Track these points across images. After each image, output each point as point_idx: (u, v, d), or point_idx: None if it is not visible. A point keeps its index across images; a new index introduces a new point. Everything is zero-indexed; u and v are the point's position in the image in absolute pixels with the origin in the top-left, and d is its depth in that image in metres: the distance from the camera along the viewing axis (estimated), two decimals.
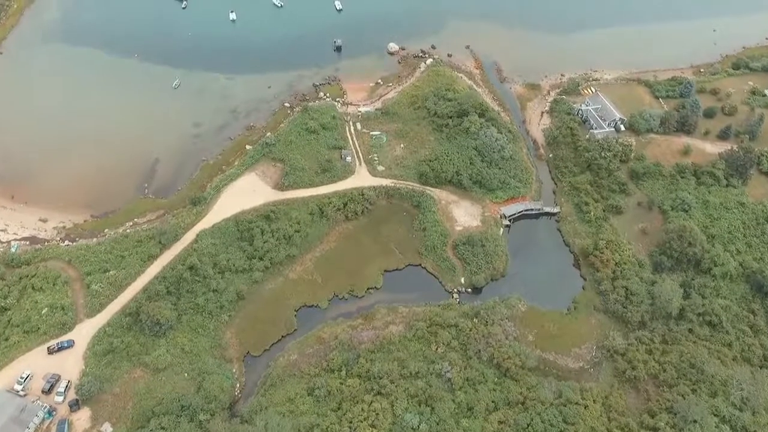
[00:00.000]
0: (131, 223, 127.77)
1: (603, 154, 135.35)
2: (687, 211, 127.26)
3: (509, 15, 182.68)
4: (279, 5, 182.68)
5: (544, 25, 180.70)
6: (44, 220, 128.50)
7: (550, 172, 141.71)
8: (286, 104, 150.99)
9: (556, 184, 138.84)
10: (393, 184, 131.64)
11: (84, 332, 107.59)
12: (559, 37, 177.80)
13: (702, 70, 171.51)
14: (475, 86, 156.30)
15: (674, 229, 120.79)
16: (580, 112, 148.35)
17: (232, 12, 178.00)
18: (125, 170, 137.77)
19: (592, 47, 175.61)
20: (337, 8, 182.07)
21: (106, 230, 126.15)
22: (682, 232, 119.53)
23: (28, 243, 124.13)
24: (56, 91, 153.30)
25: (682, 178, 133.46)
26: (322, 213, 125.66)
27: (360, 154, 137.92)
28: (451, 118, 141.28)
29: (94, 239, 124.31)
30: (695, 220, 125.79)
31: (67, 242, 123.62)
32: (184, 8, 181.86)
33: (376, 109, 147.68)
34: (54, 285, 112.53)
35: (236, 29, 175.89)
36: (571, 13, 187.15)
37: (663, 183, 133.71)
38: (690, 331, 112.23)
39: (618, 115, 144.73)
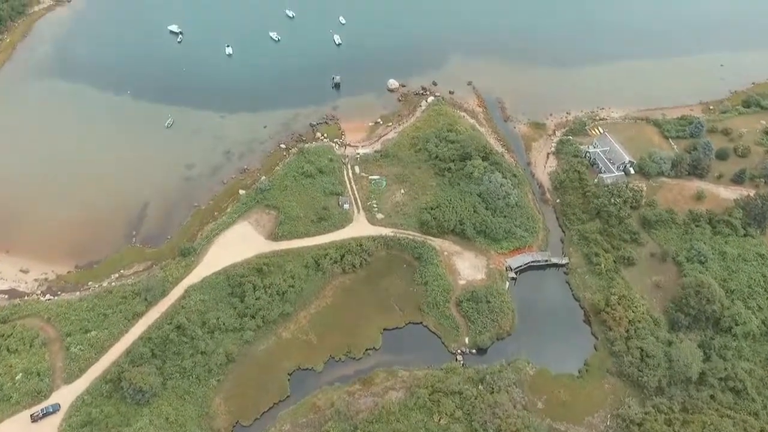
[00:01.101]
0: (117, 275, 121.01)
1: (613, 201, 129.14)
2: (703, 263, 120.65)
3: (512, 49, 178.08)
4: (276, 39, 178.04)
5: (547, 59, 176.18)
6: (25, 271, 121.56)
7: (557, 218, 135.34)
8: (282, 145, 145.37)
9: (563, 232, 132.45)
10: (393, 234, 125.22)
11: (63, 399, 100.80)
12: (563, 72, 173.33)
13: (711, 107, 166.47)
14: (477, 126, 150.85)
15: (691, 284, 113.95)
16: (587, 154, 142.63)
17: (228, 46, 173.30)
18: (113, 216, 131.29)
19: (597, 83, 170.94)
20: (336, 42, 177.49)
21: (90, 283, 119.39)
22: (699, 288, 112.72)
23: (6, 297, 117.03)
24: (44, 131, 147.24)
25: (696, 226, 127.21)
26: (318, 266, 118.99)
27: (358, 201, 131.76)
28: (453, 161, 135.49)
29: (77, 293, 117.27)
30: (712, 273, 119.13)
31: (48, 296, 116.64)
32: (179, 42, 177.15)
33: (375, 151, 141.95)
34: (31, 347, 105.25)
35: (232, 64, 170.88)
36: (574, 48, 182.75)
37: (676, 232, 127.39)
38: (712, 397, 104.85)
39: (627, 158, 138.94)
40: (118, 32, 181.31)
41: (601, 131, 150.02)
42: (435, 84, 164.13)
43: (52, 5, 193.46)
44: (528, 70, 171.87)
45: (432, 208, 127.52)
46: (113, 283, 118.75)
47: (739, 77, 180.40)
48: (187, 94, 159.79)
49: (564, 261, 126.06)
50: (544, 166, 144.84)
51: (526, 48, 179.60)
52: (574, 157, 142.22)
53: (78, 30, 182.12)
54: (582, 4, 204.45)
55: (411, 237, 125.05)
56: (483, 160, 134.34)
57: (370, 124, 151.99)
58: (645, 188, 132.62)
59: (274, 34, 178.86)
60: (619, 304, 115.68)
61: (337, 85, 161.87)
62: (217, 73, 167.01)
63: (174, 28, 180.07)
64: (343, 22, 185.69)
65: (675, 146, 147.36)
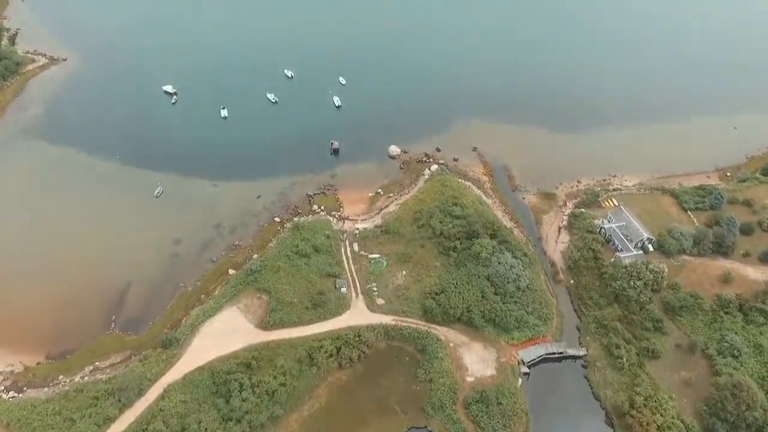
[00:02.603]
0: (91, 368, 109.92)
1: (632, 284, 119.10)
2: (737, 358, 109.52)
3: (518, 113, 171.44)
4: (274, 101, 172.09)
5: (555, 123, 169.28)
6: None
7: (572, 302, 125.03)
8: (276, 218, 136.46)
9: (579, 318, 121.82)
10: (394, 323, 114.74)
11: None
12: (571, 136, 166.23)
13: (729, 174, 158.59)
14: (484, 197, 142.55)
15: (726, 384, 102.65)
16: (602, 230, 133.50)
17: (223, 108, 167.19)
18: (92, 297, 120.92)
19: (607, 148, 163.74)
20: (336, 104, 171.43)
21: (61, 377, 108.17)
22: (736, 390, 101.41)
23: None
24: (23, 198, 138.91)
25: (725, 313, 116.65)
26: (312, 360, 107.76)
27: (357, 283, 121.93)
28: (459, 239, 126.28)
29: (45, 389, 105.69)
30: (748, 370, 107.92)
31: (12, 393, 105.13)
32: (173, 103, 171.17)
33: (375, 226, 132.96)
34: None
35: (227, 127, 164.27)
36: (582, 111, 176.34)
37: (704, 319, 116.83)
38: None
39: (645, 235, 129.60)
40: (111, 91, 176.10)
41: (616, 203, 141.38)
42: (438, 150, 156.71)
43: (46, 63, 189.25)
44: (535, 135, 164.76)
45: (436, 293, 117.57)
46: (86, 378, 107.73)
47: (755, 140, 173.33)
48: (179, 160, 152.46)
49: (581, 353, 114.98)
50: (555, 242, 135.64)
51: (533, 111, 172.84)
52: (588, 233, 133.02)
53: (71, 89, 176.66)
54: (589, 66, 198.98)
55: (414, 326, 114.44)
56: (491, 238, 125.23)
57: (370, 194, 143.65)
58: (666, 268, 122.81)
59: (271, 96, 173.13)
60: (645, 405, 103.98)
61: (335, 151, 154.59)
62: (211, 137, 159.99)
63: (169, 88, 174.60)
64: (344, 82, 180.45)
65: (695, 219, 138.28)
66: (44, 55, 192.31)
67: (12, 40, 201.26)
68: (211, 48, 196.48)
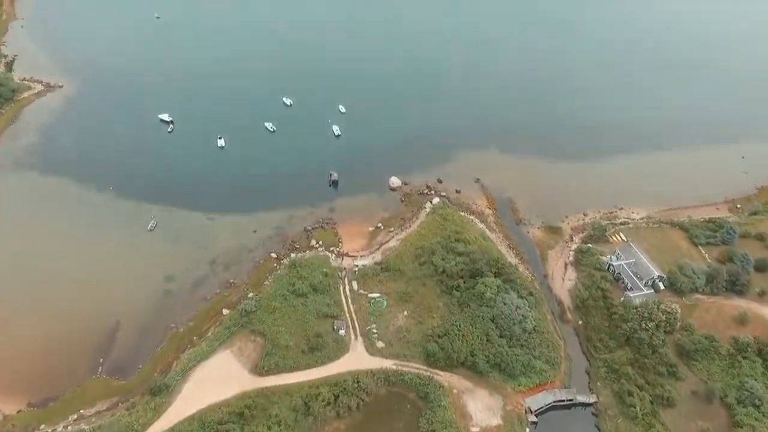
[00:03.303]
0: (75, 416, 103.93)
1: (643, 325, 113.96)
2: (758, 407, 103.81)
3: (521, 143, 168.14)
4: (272, 130, 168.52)
5: (559, 153, 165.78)
6: None
7: (580, 344, 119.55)
8: (273, 254, 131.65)
9: (589, 361, 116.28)
10: (395, 367, 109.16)
11: None
12: (576, 167, 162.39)
13: (739, 206, 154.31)
14: (488, 231, 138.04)
15: None
16: (610, 267, 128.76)
17: (220, 138, 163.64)
18: (79, 338, 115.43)
19: (613, 179, 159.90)
20: (336, 134, 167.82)
21: (42, 426, 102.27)
22: None
23: None
24: (10, 233, 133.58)
25: (744, 358, 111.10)
26: (308, 409, 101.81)
27: (356, 324, 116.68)
28: (462, 278, 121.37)
29: None
30: None
31: None
32: (170, 132, 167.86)
33: (375, 263, 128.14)
34: None
35: (224, 157, 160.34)
36: (586, 141, 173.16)
37: (721, 365, 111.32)
38: None
39: (656, 273, 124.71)
40: (107, 119, 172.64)
41: (624, 238, 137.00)
42: (440, 182, 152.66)
43: (42, 90, 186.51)
44: (539, 166, 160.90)
45: (439, 336, 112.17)
46: (70, 428, 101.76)
47: (764, 169, 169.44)
48: (174, 192, 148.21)
49: (592, 400, 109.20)
50: (562, 279, 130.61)
51: (536, 141, 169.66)
52: (596, 270, 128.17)
53: (66, 117, 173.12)
54: (592, 94, 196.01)
55: (415, 371, 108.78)
56: (495, 277, 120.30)
57: (370, 229, 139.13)
58: (679, 309, 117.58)
59: (269, 125, 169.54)
60: None
61: (334, 183, 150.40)
62: (207, 167, 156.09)
63: (165, 116, 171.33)
64: (343, 110, 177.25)
65: (706, 255, 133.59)
66: (41, 82, 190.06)
67: (9, 66, 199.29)
68: (208, 75, 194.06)
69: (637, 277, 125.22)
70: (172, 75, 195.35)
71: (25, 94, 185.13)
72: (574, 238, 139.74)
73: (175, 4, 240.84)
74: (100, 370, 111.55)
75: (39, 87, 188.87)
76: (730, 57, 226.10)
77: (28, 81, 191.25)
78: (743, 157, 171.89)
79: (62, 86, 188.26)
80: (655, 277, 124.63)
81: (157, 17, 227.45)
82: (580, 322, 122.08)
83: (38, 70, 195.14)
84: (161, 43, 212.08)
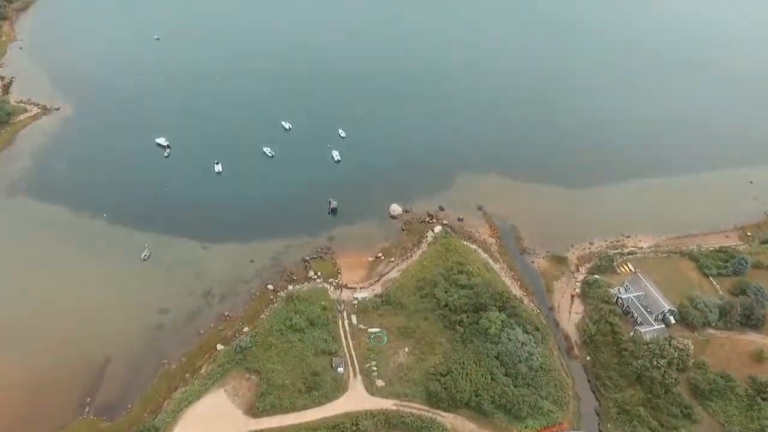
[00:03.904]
0: None
1: (655, 362, 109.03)
2: None
3: (524, 168, 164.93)
4: (270, 155, 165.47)
5: (563, 179, 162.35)
6: None
7: (589, 381, 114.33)
8: (270, 286, 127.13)
9: (598, 401, 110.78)
10: (395, 408, 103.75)
11: None
12: (581, 193, 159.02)
13: (749, 234, 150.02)
14: (491, 261, 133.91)
15: None
16: (619, 300, 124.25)
17: (217, 163, 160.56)
18: (66, 375, 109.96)
19: (619, 205, 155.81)
20: (335, 159, 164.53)
21: None
22: None
23: None
24: None
25: (763, 399, 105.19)
26: None
27: (355, 361, 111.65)
28: (465, 312, 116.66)
29: None
30: None
31: None
32: (166, 156, 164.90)
33: (375, 295, 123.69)
34: None
35: (221, 183, 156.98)
36: (590, 165, 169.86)
37: (738, 406, 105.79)
38: None
39: (666, 306, 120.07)
40: (103, 143, 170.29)
41: (632, 269, 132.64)
42: (442, 209, 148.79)
43: (39, 113, 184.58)
44: (543, 192, 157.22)
45: (442, 375, 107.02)
46: None
47: None
48: (170, 219, 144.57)
49: None
50: (569, 312, 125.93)
51: (540, 167, 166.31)
52: (604, 303, 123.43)
53: (61, 141, 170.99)
54: (596, 119, 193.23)
55: (417, 412, 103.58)
56: (500, 311, 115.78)
57: (370, 259, 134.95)
58: (691, 345, 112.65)
59: (267, 149, 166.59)
60: None
61: (333, 211, 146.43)
62: (203, 194, 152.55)
63: (162, 140, 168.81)
64: (343, 135, 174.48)
65: (718, 287, 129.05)
66: (37, 105, 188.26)
67: (6, 88, 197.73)
68: (207, 97, 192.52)
69: (647, 310, 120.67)
70: (170, 97, 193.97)
71: (21, 117, 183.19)
72: (580, 268, 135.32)
73: (175, 25, 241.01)
74: (86, 410, 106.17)
75: (35, 110, 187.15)
76: (738, 79, 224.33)
77: (24, 103, 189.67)
78: (751, 182, 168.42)
79: (59, 108, 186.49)
80: (666, 310, 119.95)
81: (157, 39, 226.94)
82: (589, 359, 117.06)
83: (35, 92, 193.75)
84: (160, 65, 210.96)
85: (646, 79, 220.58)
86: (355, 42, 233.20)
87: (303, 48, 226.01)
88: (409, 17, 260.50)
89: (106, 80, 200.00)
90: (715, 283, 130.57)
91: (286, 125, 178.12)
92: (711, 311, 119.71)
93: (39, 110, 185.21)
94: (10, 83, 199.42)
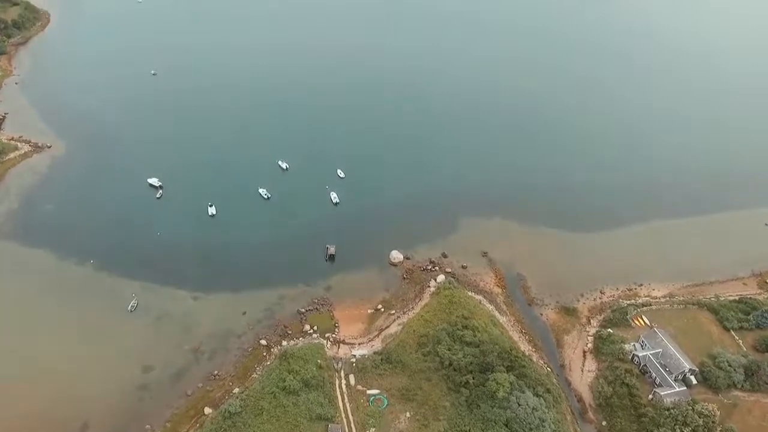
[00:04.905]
0: None
1: (678, 430, 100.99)
2: None
3: (530, 212, 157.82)
4: (266, 197, 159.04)
5: (570, 222, 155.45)
6: None
7: None
8: (263, 341, 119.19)
9: None
10: None
11: None
12: (589, 237, 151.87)
13: None
14: (497, 314, 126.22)
15: None
16: (635, 357, 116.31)
17: (211, 205, 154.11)
18: None
19: (630, 250, 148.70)
20: (333, 201, 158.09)
21: None
22: None
23: None
24: None
25: None
26: None
27: (353, 427, 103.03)
28: (471, 372, 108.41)
29: None
30: None
31: None
32: (158, 198, 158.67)
33: (374, 353, 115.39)
34: None
35: (214, 226, 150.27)
36: (598, 208, 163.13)
37: None
38: None
39: (687, 365, 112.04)
40: (93, 184, 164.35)
41: (647, 322, 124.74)
42: (445, 256, 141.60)
43: (29, 151, 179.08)
44: (550, 236, 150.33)
45: None
46: None
47: None
48: (159, 266, 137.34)
49: None
50: (581, 371, 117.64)
51: (546, 209, 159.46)
52: (619, 361, 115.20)
53: (50, 181, 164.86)
54: (603, 159, 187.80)
55: None
56: (508, 371, 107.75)
57: (369, 311, 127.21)
58: (717, 411, 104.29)
59: (263, 191, 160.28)
60: None
61: (331, 257, 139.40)
62: (196, 239, 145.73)
63: (154, 181, 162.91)
64: (342, 175, 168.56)
65: (740, 342, 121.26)
66: (29, 142, 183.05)
67: None
68: (201, 137, 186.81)
69: (665, 369, 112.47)
70: (165, 135, 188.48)
71: (11, 155, 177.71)
72: (591, 320, 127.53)
73: (173, 59, 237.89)
74: None
75: (26, 147, 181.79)
76: (748, 115, 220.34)
77: (15, 140, 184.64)
78: (767, 224, 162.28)
79: (50, 146, 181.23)
80: (686, 370, 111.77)
81: (154, 74, 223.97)
82: (604, 423, 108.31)
83: (28, 129, 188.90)
84: (155, 101, 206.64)
85: (654, 118, 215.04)
86: (355, 79, 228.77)
87: (302, 84, 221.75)
88: (412, 52, 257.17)
89: (100, 116, 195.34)
90: (737, 337, 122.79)
91: (284, 165, 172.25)
92: (736, 371, 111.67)
93: (30, 148, 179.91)
94: (3, 119, 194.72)
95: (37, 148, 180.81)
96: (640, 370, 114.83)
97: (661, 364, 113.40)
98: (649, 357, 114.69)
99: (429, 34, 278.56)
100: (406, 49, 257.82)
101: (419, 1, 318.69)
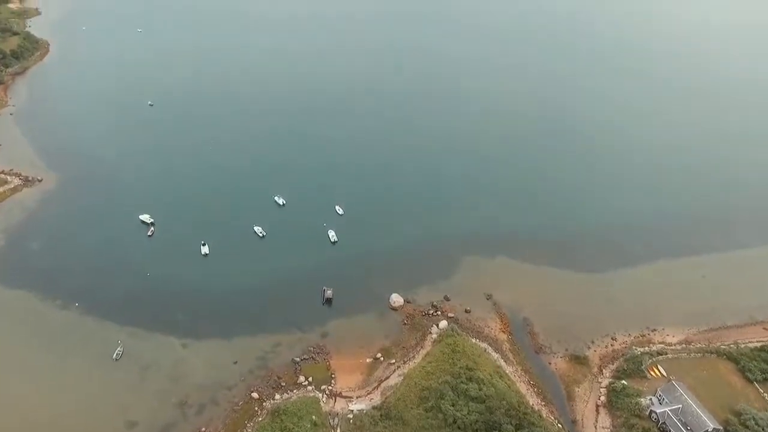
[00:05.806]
0: None
1: None
2: None
3: (535, 249, 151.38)
4: (261, 235, 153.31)
5: (578, 262, 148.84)
6: None
7: None
8: (254, 394, 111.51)
9: None
10: None
11: None
12: (597, 279, 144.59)
13: None
14: (503, 363, 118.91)
15: None
16: (653, 414, 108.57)
17: (204, 244, 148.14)
18: None
19: (642, 292, 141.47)
20: (331, 240, 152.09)
21: None
22: None
23: None
24: None
25: None
26: None
27: None
28: (477, 431, 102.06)
29: None
30: None
31: None
32: (149, 236, 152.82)
33: (373, 407, 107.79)
34: None
35: (207, 267, 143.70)
36: (607, 246, 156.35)
37: None
38: None
39: (710, 425, 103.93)
40: (83, 220, 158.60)
41: (664, 373, 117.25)
42: (447, 299, 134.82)
43: (19, 185, 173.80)
44: (556, 277, 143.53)
45: None
46: None
47: None
48: (147, 310, 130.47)
49: None
50: (595, 427, 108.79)
51: (552, 248, 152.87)
52: (636, 418, 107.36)
53: (39, 217, 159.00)
54: (610, 196, 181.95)
55: None
56: (517, 430, 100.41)
57: (368, 360, 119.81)
58: None
59: (258, 229, 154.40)
60: None
61: (328, 301, 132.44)
62: (187, 281, 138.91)
63: (146, 218, 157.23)
64: (341, 212, 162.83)
65: (765, 395, 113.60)
66: (19, 176, 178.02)
67: None
68: (195, 172, 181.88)
69: (686, 428, 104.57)
70: (159, 168, 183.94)
71: (1, 190, 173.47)
72: (603, 370, 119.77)
73: (170, 90, 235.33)
74: None
75: (16, 181, 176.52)
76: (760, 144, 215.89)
77: (6, 174, 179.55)
78: None
79: (41, 180, 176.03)
80: (711, 430, 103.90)
81: (150, 105, 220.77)
82: None
83: (20, 162, 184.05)
84: (150, 134, 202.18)
85: (663, 154, 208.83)
86: (354, 113, 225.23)
87: (300, 117, 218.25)
88: (414, 82, 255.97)
89: (94, 149, 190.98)
90: (761, 390, 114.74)
91: (280, 201, 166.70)
92: (764, 430, 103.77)
93: (20, 182, 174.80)
94: None
95: (27, 182, 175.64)
96: (659, 429, 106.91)
97: (681, 422, 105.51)
98: (668, 414, 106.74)
99: (428, 68, 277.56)
100: (411, 80, 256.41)
101: (416, 42, 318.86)
